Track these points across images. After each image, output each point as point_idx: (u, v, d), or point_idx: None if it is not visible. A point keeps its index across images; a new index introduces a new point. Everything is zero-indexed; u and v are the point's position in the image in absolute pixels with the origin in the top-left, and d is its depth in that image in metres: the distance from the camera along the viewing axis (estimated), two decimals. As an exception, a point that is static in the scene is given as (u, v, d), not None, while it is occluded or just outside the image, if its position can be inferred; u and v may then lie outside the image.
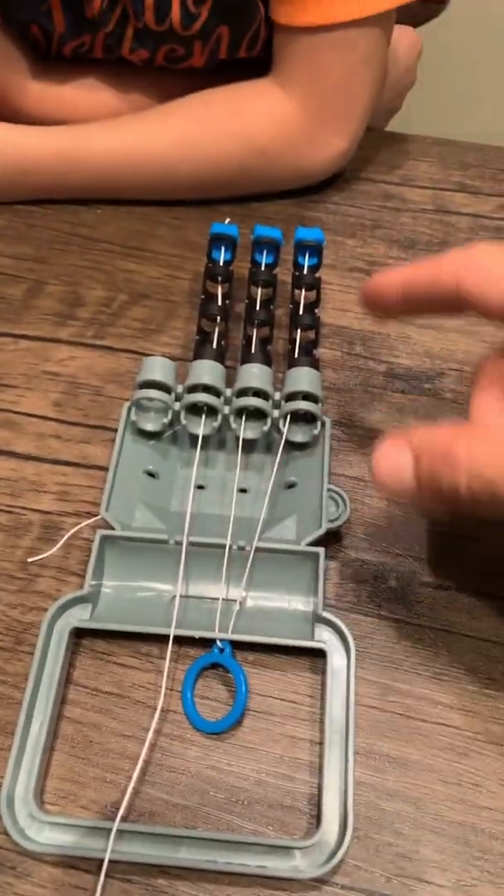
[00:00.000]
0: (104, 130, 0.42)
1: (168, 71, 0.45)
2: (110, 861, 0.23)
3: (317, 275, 0.38)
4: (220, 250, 0.38)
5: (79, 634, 0.29)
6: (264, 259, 0.38)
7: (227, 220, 0.39)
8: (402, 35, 0.54)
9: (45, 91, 0.44)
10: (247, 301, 0.37)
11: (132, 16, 0.40)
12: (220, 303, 0.36)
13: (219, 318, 0.36)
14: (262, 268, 0.38)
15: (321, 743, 0.26)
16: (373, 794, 0.26)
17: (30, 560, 0.31)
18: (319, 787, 0.26)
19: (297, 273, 0.38)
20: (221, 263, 0.38)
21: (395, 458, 0.23)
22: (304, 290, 0.37)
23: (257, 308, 0.36)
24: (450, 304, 0.26)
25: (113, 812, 0.25)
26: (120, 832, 0.24)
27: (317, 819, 0.25)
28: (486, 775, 0.26)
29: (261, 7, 0.40)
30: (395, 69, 0.53)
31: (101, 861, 0.23)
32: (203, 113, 0.42)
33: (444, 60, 0.84)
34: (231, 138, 0.42)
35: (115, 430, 0.35)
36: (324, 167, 0.45)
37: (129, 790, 0.25)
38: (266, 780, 0.26)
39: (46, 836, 0.24)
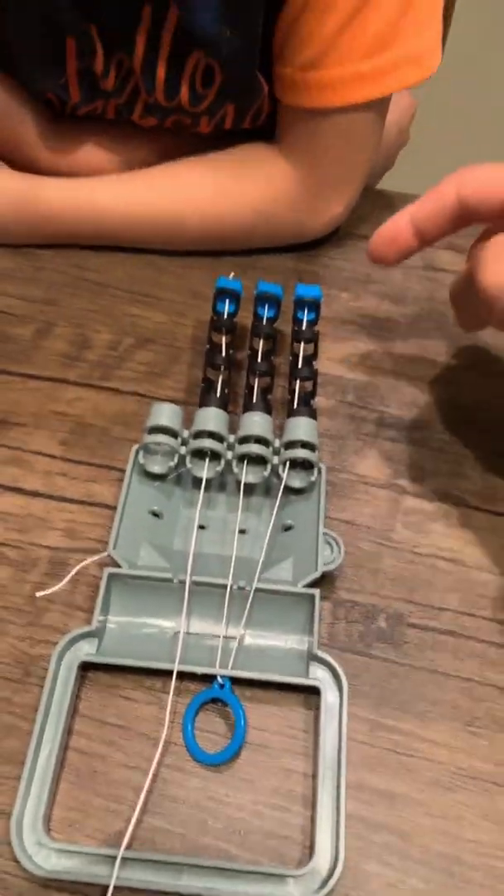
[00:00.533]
0: (114, 185, 0.45)
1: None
2: (115, 887, 0.25)
3: (315, 329, 0.40)
4: (225, 303, 0.40)
5: (85, 668, 0.30)
6: (266, 313, 0.40)
7: (232, 275, 0.41)
8: (399, 97, 0.57)
9: (58, 145, 0.46)
10: (249, 352, 0.39)
11: (143, 91, 0.43)
12: (223, 353, 0.38)
13: (223, 367, 0.38)
14: (264, 321, 0.40)
15: (314, 776, 0.28)
16: (362, 826, 0.27)
17: (38, 594, 0.32)
18: (312, 819, 0.27)
19: (296, 328, 0.40)
20: (226, 316, 0.40)
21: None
22: (302, 343, 0.39)
23: (259, 360, 0.38)
24: (457, 219, 0.33)
25: (117, 840, 0.26)
26: (124, 859, 0.25)
27: (310, 849, 0.27)
28: (469, 808, 0.28)
29: (264, 86, 0.43)
30: (389, 131, 0.56)
31: (107, 888, 0.25)
32: (209, 175, 0.45)
33: (435, 120, 0.89)
34: (235, 201, 0.45)
35: (121, 470, 0.37)
36: (320, 229, 0.48)
37: (133, 820, 0.26)
38: (262, 811, 0.28)
39: (54, 862, 0.25)
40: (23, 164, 0.46)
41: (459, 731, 0.30)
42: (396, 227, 0.34)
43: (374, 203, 0.54)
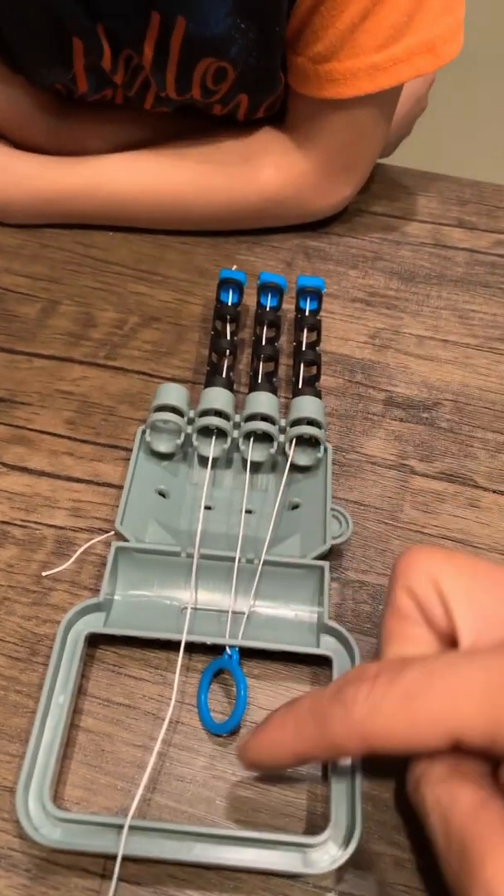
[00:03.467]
0: (122, 165, 0.44)
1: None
2: (125, 859, 0.25)
3: (318, 317, 0.40)
4: (229, 293, 0.40)
5: (92, 644, 0.30)
6: (269, 302, 0.40)
7: (235, 267, 0.41)
8: None
9: (64, 128, 0.46)
10: (254, 338, 0.39)
11: (154, 85, 0.42)
12: (228, 338, 0.38)
13: (227, 351, 0.38)
14: (268, 309, 0.40)
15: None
16: (370, 804, 0.27)
17: (44, 574, 0.32)
18: (328, 797, 0.27)
19: (299, 315, 0.40)
20: (230, 304, 0.40)
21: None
22: (305, 331, 0.39)
23: (263, 344, 0.38)
24: None
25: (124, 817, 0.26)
26: (134, 828, 0.25)
27: (324, 822, 0.26)
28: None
29: (282, 79, 0.42)
30: (406, 100, 0.55)
31: (113, 864, 0.25)
32: (218, 158, 0.44)
33: (451, 89, 0.86)
34: (243, 184, 0.44)
35: (126, 449, 0.36)
36: (327, 211, 0.47)
37: (139, 792, 0.26)
38: (268, 789, 0.27)
39: (61, 833, 0.25)
40: (28, 146, 0.46)
41: (467, 712, 0.29)
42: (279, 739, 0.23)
43: (384, 179, 0.53)
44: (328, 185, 0.46)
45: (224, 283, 0.40)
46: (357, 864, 0.26)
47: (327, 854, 0.25)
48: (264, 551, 0.31)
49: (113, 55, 0.40)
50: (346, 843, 0.25)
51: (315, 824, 0.27)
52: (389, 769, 0.28)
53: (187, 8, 0.36)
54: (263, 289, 0.41)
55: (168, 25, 0.37)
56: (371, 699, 0.21)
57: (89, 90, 0.43)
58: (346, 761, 0.27)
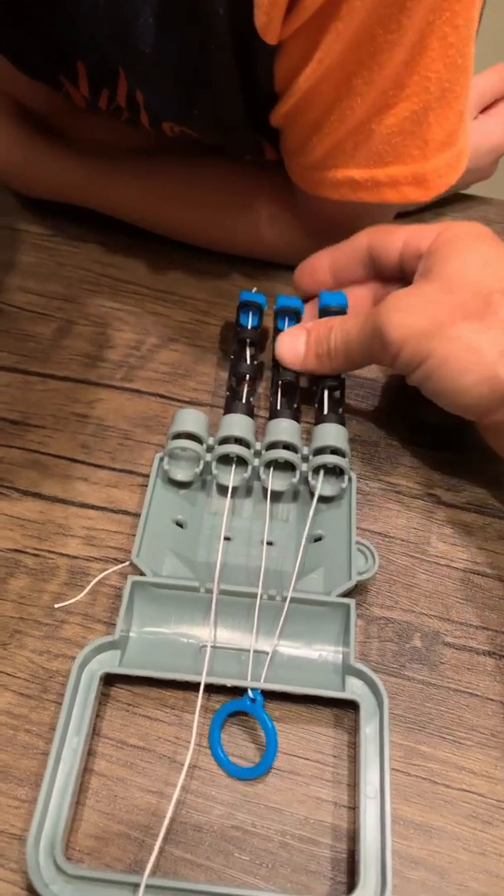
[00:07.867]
0: (130, 186, 0.44)
1: None
2: (136, 923, 0.23)
3: None
4: (248, 316, 0.39)
5: (105, 682, 0.29)
6: (288, 325, 0.39)
7: (255, 289, 0.40)
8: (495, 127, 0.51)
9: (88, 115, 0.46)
10: (273, 362, 0.38)
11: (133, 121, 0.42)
12: (248, 362, 0.37)
13: (248, 376, 0.37)
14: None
15: (354, 808, 0.27)
16: (398, 861, 0.26)
17: (56, 606, 0.31)
18: (352, 852, 0.26)
19: None
20: (249, 328, 0.39)
21: (293, 337, 0.36)
22: None
23: (282, 369, 0.37)
24: (365, 265, 0.37)
25: (137, 870, 0.25)
26: (150, 888, 0.24)
27: (347, 886, 0.25)
28: (510, 845, 0.26)
29: (262, 147, 0.41)
30: (484, 158, 0.51)
31: (127, 923, 0.23)
32: (222, 200, 0.44)
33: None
34: (240, 233, 0.44)
35: (143, 475, 0.35)
36: None
37: (156, 849, 0.25)
38: (290, 843, 0.26)
39: (72, 890, 0.24)
40: (56, 129, 0.46)
41: (500, 761, 0.28)
42: (316, 263, 0.38)
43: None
44: (321, 247, 0.45)
45: (244, 306, 0.39)
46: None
47: (354, 917, 0.24)
48: (291, 587, 0.30)
49: (92, 88, 0.40)
50: (376, 905, 0.24)
51: (340, 882, 0.25)
52: (418, 825, 0.26)
53: (142, 85, 0.36)
54: (281, 312, 0.40)
55: (132, 87, 0.37)
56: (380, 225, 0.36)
57: (87, 108, 0.43)
58: (376, 815, 0.25)
